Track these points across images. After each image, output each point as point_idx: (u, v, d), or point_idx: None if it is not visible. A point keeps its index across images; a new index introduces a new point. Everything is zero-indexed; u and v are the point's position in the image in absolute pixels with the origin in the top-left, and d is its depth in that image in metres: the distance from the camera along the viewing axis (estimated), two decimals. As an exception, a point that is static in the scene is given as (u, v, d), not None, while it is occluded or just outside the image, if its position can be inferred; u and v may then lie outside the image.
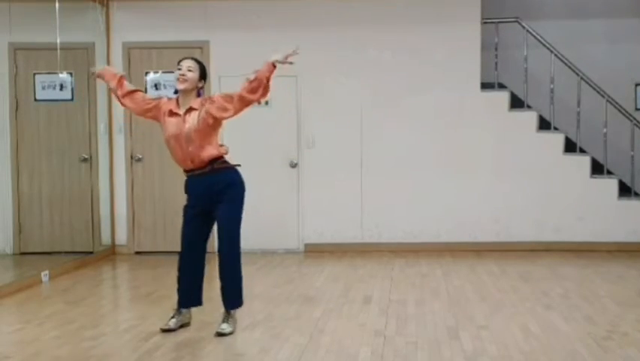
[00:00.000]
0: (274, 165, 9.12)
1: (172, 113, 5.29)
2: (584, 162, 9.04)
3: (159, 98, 5.47)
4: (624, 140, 9.21)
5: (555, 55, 9.13)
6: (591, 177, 9.02)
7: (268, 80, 5.15)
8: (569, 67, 9.12)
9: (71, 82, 8.75)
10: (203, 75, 5.37)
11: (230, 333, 5.31)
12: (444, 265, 8.16)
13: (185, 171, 5.40)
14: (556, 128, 9.13)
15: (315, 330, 5.44)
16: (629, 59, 9.62)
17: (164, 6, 8.98)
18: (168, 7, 9.01)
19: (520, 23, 9.14)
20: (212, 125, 5.27)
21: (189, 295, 5.52)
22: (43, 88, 8.71)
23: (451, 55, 9.00)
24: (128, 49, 9.01)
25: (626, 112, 9.17)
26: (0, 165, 8.58)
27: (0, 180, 8.56)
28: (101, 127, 9.02)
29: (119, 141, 9.16)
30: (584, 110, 9.15)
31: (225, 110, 5.23)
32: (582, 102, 9.14)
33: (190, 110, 5.26)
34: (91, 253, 8.68)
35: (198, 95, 5.34)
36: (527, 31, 9.11)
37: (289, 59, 5.20)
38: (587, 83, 9.10)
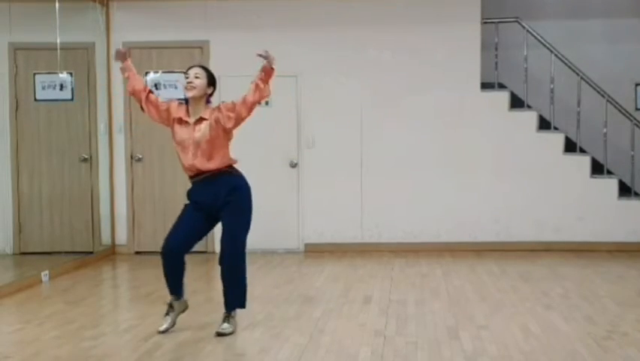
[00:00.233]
0: (274, 165, 9.12)
1: (182, 122, 5.28)
2: (584, 162, 9.04)
3: (169, 101, 5.44)
4: (624, 140, 9.21)
5: (555, 55, 9.13)
6: (591, 177, 9.02)
7: (263, 80, 5.18)
8: (569, 67, 9.12)
9: (71, 82, 8.75)
10: (211, 82, 5.33)
11: (231, 333, 5.31)
12: (444, 265, 8.16)
13: (191, 177, 5.38)
14: (556, 128, 9.13)
15: (315, 330, 5.44)
16: (629, 59, 9.62)
17: (164, 6, 8.98)
18: (168, 7, 9.01)
19: (520, 23, 9.14)
20: (223, 135, 5.25)
21: (177, 287, 5.43)
22: (43, 88, 8.71)
23: (451, 55, 9.00)
24: (128, 49, 8.99)
25: (626, 112, 9.17)
26: (0, 165, 8.59)
27: (0, 180, 8.57)
28: (101, 127, 9.02)
29: (119, 140, 9.16)
30: (584, 110, 9.15)
31: (229, 118, 5.22)
32: (582, 102, 9.14)
33: (201, 120, 5.24)
34: (91, 253, 8.68)
35: (208, 102, 5.32)
36: (527, 31, 9.11)
37: (269, 58, 5.17)
38: (587, 83, 9.10)
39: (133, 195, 9.16)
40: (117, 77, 9.13)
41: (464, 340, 5.12)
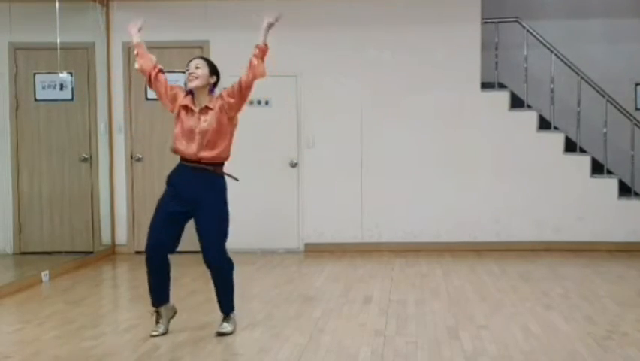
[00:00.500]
0: (274, 165, 9.12)
1: (188, 109, 5.24)
2: (584, 161, 9.04)
3: (179, 86, 5.41)
4: (624, 140, 9.21)
5: (555, 55, 9.13)
6: (591, 176, 9.02)
7: (261, 59, 5.21)
8: (569, 67, 9.12)
9: (71, 82, 8.75)
10: (213, 71, 5.30)
11: (231, 333, 5.31)
12: (444, 265, 8.16)
13: (183, 159, 5.27)
14: (556, 128, 9.13)
15: (315, 330, 5.44)
16: (629, 59, 9.62)
17: (164, 6, 8.98)
18: (168, 7, 9.01)
19: (520, 23, 9.14)
20: (228, 122, 5.23)
21: (161, 293, 5.41)
22: (43, 88, 8.71)
23: (451, 55, 9.00)
24: (129, 49, 9.00)
25: (626, 112, 9.17)
26: (0, 165, 8.59)
27: (0, 179, 8.57)
28: (101, 127, 9.02)
29: (119, 140, 9.16)
30: (584, 110, 9.15)
31: (230, 104, 5.20)
32: (582, 102, 9.14)
33: (206, 109, 5.22)
34: (91, 252, 8.68)
35: (212, 91, 5.29)
36: (527, 31, 9.11)
37: (273, 23, 5.23)
38: (587, 83, 9.10)
39: (133, 195, 9.16)
40: (117, 77, 9.15)
41: (464, 340, 5.12)
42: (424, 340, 5.15)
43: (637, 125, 9.16)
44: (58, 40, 8.10)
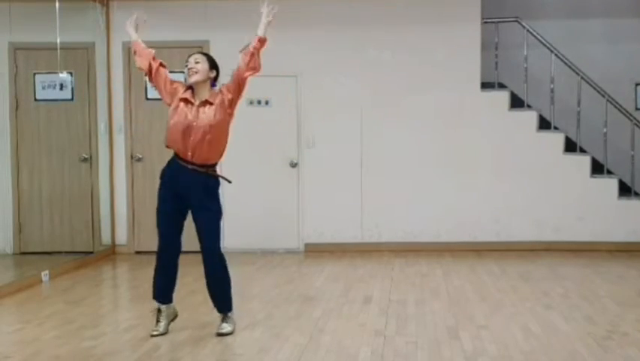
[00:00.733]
0: (274, 165, 9.12)
1: (187, 102, 5.22)
2: (584, 161, 9.04)
3: (181, 82, 5.40)
4: (624, 140, 9.21)
5: (555, 55, 9.13)
6: (591, 176, 9.02)
7: (257, 49, 5.20)
8: (569, 67, 9.12)
9: (71, 82, 8.75)
10: (213, 65, 5.30)
11: (230, 333, 5.31)
12: (444, 265, 8.16)
13: (177, 157, 5.25)
14: (556, 128, 9.13)
15: (315, 330, 5.44)
16: (629, 59, 9.62)
17: (164, 6, 8.98)
18: (168, 7, 9.01)
19: (520, 23, 9.14)
20: (228, 117, 5.22)
21: (165, 292, 5.41)
22: (43, 88, 8.71)
23: (451, 55, 9.00)
24: (128, 49, 9.00)
25: (626, 112, 9.17)
26: (0, 165, 8.59)
27: (0, 179, 8.57)
28: (101, 127, 9.02)
29: (119, 140, 9.16)
30: (584, 110, 9.15)
31: (230, 97, 5.21)
32: (582, 102, 9.14)
33: (206, 102, 5.20)
34: (91, 252, 8.68)
35: (213, 86, 5.28)
36: (527, 30, 9.11)
37: (270, 17, 5.22)
38: (587, 82, 9.10)
39: (133, 194, 9.17)
40: (117, 77, 9.16)
41: (464, 340, 5.12)
42: (424, 340, 5.15)
43: (637, 125, 9.16)
44: (58, 40, 8.10)
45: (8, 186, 8.63)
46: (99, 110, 8.98)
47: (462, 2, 8.99)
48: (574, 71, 9.11)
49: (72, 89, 8.78)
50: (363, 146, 9.10)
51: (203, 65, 5.24)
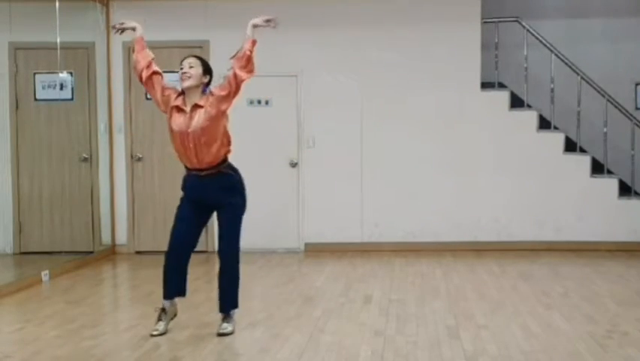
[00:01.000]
0: (274, 165, 9.12)
1: (179, 110, 5.23)
2: (584, 161, 9.04)
3: (174, 88, 5.37)
4: (624, 139, 9.21)
5: (555, 55, 9.13)
6: (591, 176, 9.02)
7: (251, 52, 5.19)
8: (569, 67, 9.12)
9: (71, 82, 8.75)
10: (207, 70, 5.29)
11: (231, 333, 5.31)
12: (444, 264, 8.16)
13: (188, 168, 5.35)
14: (556, 128, 9.13)
15: (315, 330, 5.44)
16: (629, 58, 9.62)
17: (164, 6, 8.98)
18: (168, 7, 9.01)
19: (520, 23, 9.14)
20: (217, 118, 5.19)
21: (177, 286, 5.41)
22: (44, 88, 8.71)
23: (451, 55, 9.00)
24: (128, 49, 9.00)
25: (626, 112, 9.17)
26: (0, 165, 8.59)
27: (0, 179, 8.56)
28: (101, 127, 9.02)
29: (119, 140, 9.16)
30: (584, 109, 9.15)
31: (222, 98, 5.18)
32: (582, 102, 9.14)
33: (196, 107, 5.19)
34: (91, 252, 8.68)
35: (204, 91, 5.26)
36: (527, 30, 9.11)
37: (271, 24, 5.26)
38: (587, 82, 9.10)
39: (133, 194, 9.16)
40: (117, 77, 9.16)
41: (464, 340, 5.12)
42: (424, 340, 5.14)
43: (637, 125, 9.16)
44: (58, 40, 8.10)
45: (8, 185, 8.63)
46: (99, 110, 8.98)
47: (462, 2, 8.99)
48: (574, 71, 9.11)
49: (72, 89, 8.78)
50: (363, 146, 9.10)
51: (197, 70, 5.23)
